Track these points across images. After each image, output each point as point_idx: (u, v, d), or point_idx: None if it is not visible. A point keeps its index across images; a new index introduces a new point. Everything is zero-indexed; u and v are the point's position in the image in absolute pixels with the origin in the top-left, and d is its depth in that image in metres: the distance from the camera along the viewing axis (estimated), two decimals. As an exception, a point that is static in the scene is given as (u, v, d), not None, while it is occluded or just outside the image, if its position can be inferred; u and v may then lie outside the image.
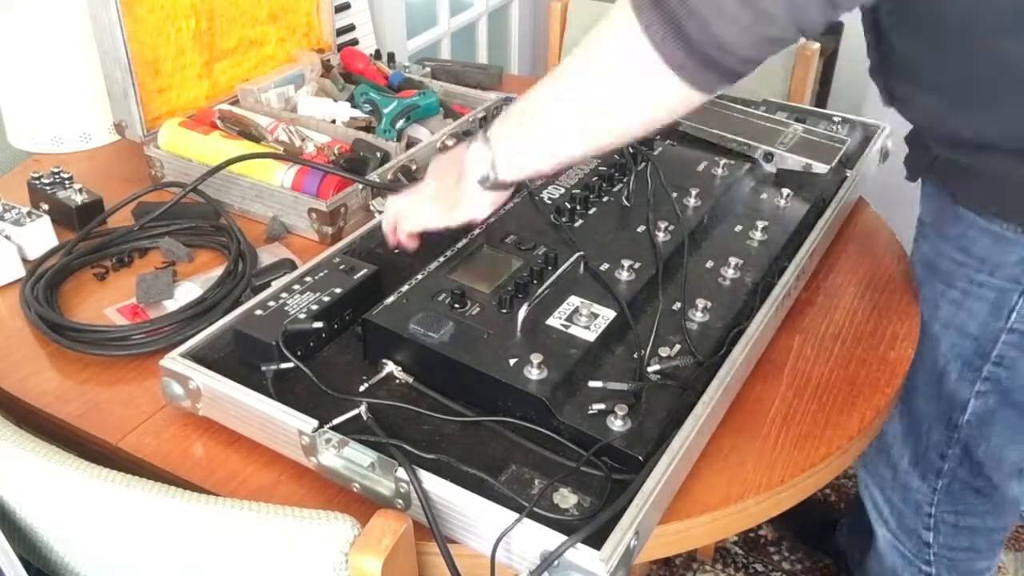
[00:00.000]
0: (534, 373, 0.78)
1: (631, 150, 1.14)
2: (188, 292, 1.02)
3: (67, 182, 1.19)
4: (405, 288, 0.89)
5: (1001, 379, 0.99)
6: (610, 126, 0.76)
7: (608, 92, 0.74)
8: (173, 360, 0.84)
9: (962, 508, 1.13)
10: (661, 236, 0.98)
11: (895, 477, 1.17)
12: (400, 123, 1.31)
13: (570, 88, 0.77)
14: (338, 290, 0.90)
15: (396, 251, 0.98)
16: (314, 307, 0.87)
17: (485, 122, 1.38)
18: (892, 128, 1.27)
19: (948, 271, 0.99)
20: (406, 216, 0.94)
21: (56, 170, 1.21)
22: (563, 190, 1.07)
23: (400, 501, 0.73)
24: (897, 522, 1.20)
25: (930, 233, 1.03)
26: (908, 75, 0.94)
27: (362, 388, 0.83)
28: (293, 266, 1.03)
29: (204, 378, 0.82)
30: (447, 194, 0.89)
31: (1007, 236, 0.91)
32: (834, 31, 2.87)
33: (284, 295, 0.89)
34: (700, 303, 0.89)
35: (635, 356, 0.83)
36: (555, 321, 0.85)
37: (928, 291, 1.03)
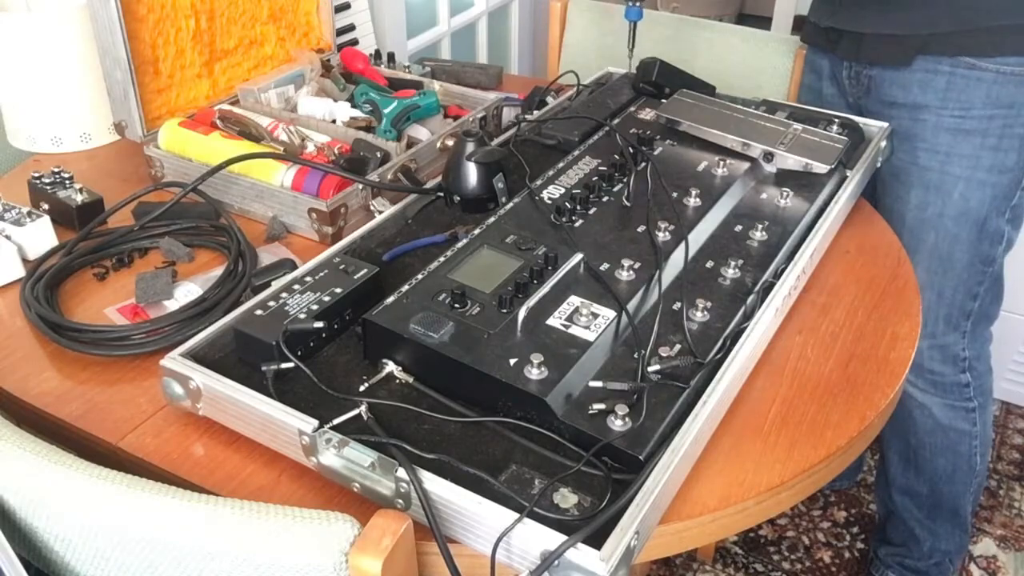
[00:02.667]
0: (534, 373, 0.78)
1: (631, 150, 1.14)
2: (188, 292, 1.02)
3: (67, 182, 1.19)
4: (405, 288, 0.89)
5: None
6: None
7: None
8: (173, 360, 0.84)
9: (980, 331, 1.38)
10: (661, 236, 0.98)
11: (933, 346, 1.37)
12: (400, 123, 1.31)
13: None
14: (338, 290, 0.90)
15: None
16: (314, 307, 0.87)
17: (485, 122, 1.38)
18: (892, 128, 1.27)
19: (982, 128, 1.22)
20: None
21: (56, 170, 1.21)
22: (563, 190, 1.07)
23: (400, 501, 0.73)
24: (938, 387, 1.41)
25: (942, 109, 1.24)
26: None
27: (362, 388, 0.83)
28: (293, 266, 1.03)
29: (204, 378, 0.82)
30: None
31: None
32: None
33: (284, 295, 0.89)
34: (700, 303, 0.89)
35: (635, 356, 0.83)
36: (555, 321, 0.85)
37: (966, 148, 1.24)
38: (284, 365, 0.83)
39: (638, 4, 1.36)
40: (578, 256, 0.93)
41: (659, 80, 1.32)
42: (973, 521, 1.63)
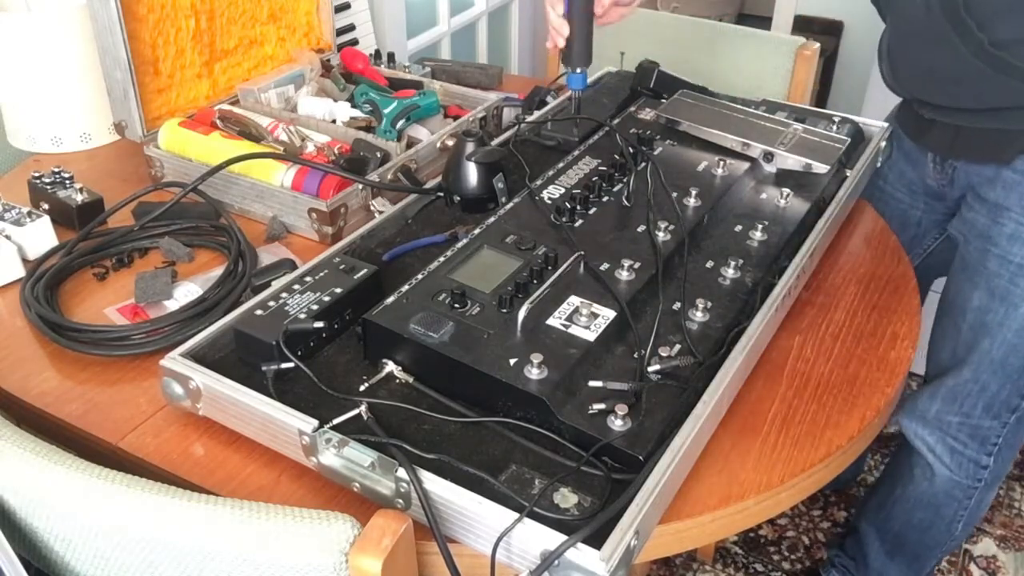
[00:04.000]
0: (534, 373, 0.78)
1: (631, 150, 1.14)
2: (188, 292, 1.02)
3: (67, 181, 1.19)
4: (405, 288, 0.89)
5: None
6: None
7: None
8: (173, 360, 0.84)
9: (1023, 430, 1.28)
10: (661, 236, 0.98)
11: (963, 423, 1.27)
12: (400, 123, 1.31)
13: None
14: (338, 290, 0.90)
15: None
16: (314, 307, 0.87)
17: (485, 122, 1.38)
18: (893, 128, 1.27)
19: None
20: None
21: (57, 170, 1.21)
22: (563, 190, 1.07)
23: (400, 501, 0.73)
24: (954, 458, 1.30)
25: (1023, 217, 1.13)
26: None
27: (362, 388, 0.83)
28: (293, 266, 1.03)
29: (204, 378, 0.82)
30: None
31: None
32: (834, 31, 2.87)
33: (284, 295, 0.89)
34: (700, 303, 0.89)
35: (635, 356, 0.83)
36: (555, 321, 0.85)
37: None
38: (284, 365, 0.83)
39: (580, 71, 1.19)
40: (578, 256, 0.93)
41: (656, 88, 1.31)
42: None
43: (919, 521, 1.42)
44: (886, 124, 1.26)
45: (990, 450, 1.29)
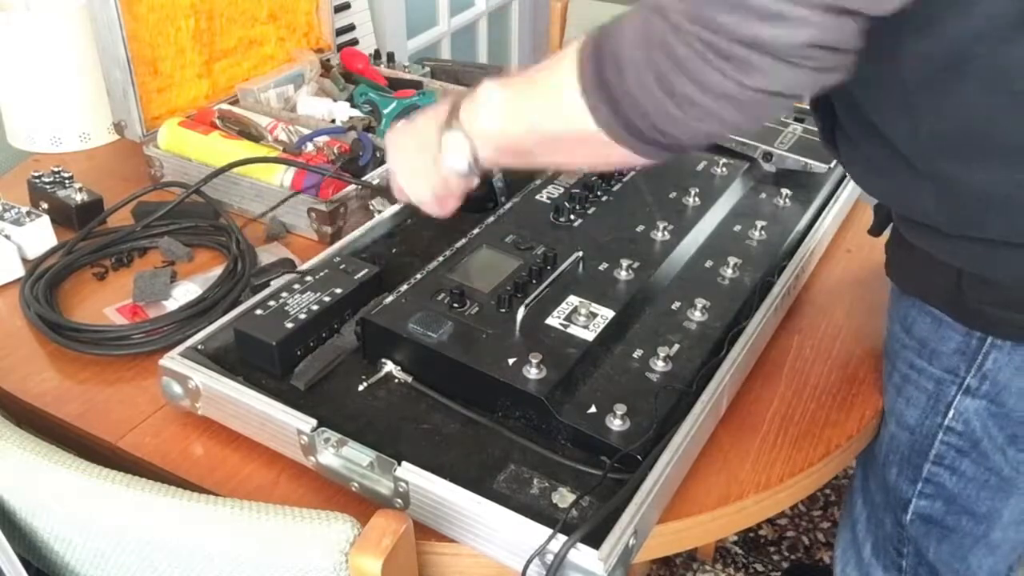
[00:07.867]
0: (533, 373, 0.78)
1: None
2: (188, 292, 1.02)
3: (67, 181, 1.19)
4: (404, 288, 0.89)
5: (945, 483, 0.86)
6: (560, 159, 0.77)
7: (559, 140, 0.72)
8: (172, 359, 0.84)
9: None
10: (660, 236, 0.98)
11: (860, 565, 1.01)
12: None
13: (528, 115, 0.78)
14: (339, 290, 0.90)
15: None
16: (315, 307, 0.87)
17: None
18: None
19: (893, 350, 0.87)
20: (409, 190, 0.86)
21: (56, 169, 1.21)
22: (563, 190, 1.07)
23: (399, 500, 0.73)
24: None
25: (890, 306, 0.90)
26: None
27: (361, 388, 0.83)
28: (293, 266, 1.03)
29: (203, 377, 0.82)
30: (424, 170, 0.81)
31: (945, 320, 0.79)
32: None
33: (284, 295, 0.89)
34: (700, 303, 0.89)
35: (634, 356, 0.83)
36: (554, 321, 0.85)
37: (888, 367, 0.90)
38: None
39: None
40: (577, 255, 0.93)
41: None
42: None
43: None
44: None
45: None
